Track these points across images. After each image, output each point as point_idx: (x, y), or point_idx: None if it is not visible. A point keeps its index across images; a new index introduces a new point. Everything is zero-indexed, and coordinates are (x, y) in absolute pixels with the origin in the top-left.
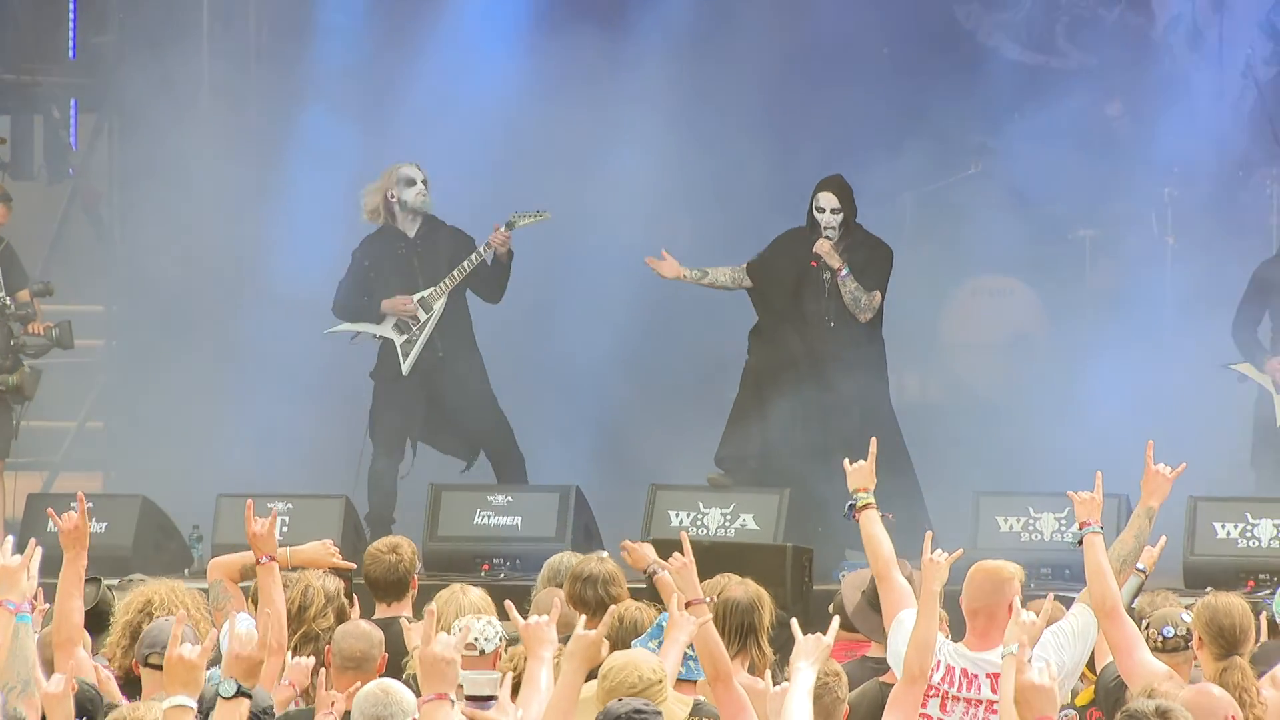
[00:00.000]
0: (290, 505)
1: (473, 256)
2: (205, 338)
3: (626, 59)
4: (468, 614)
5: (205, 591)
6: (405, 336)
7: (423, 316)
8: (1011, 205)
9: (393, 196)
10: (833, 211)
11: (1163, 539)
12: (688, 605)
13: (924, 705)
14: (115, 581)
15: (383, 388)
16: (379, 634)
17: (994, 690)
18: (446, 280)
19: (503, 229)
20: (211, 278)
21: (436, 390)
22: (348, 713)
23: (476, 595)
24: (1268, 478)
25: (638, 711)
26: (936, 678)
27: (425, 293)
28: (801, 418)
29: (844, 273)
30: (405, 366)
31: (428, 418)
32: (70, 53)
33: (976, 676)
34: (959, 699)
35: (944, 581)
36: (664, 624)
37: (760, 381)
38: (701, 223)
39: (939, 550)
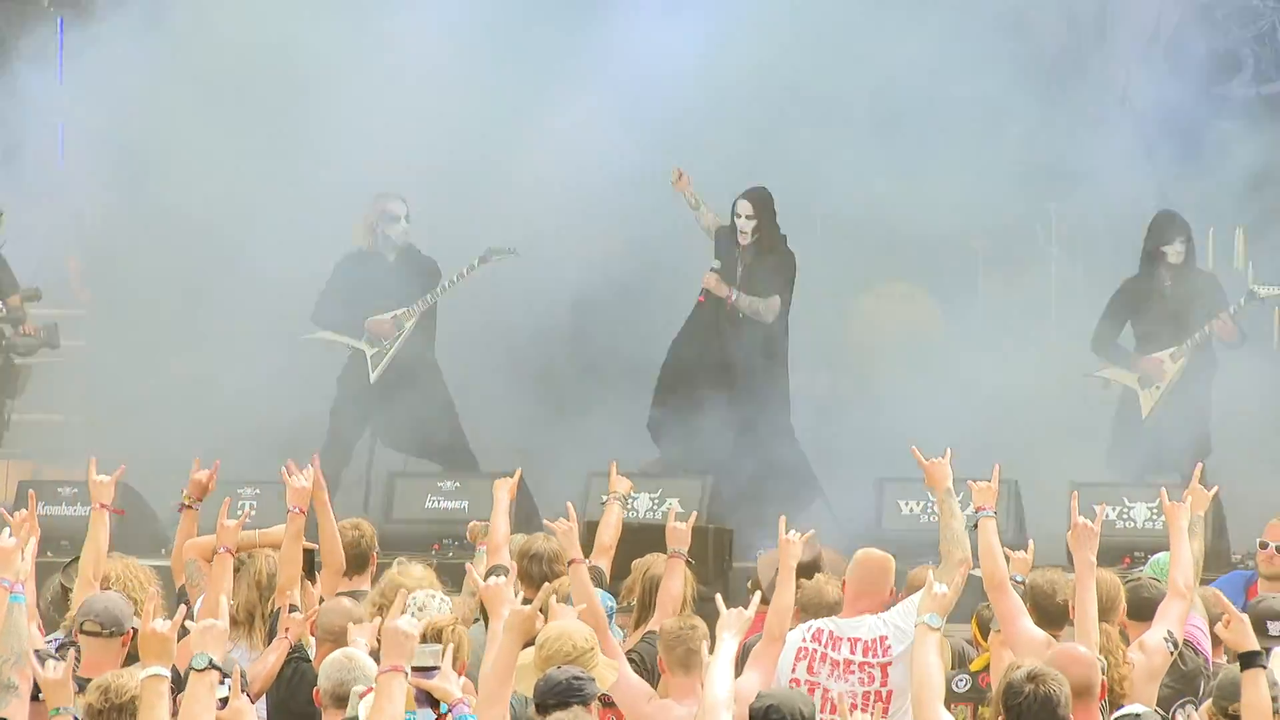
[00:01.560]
0: (258, 491)
1: (437, 289)
2: (181, 336)
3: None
4: (411, 584)
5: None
6: (376, 349)
7: (395, 333)
8: (912, 218)
9: (378, 228)
10: (747, 218)
11: (1030, 543)
12: (570, 563)
13: (793, 670)
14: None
15: (345, 394)
16: (358, 611)
17: (852, 652)
18: (419, 303)
19: (476, 263)
20: (186, 281)
21: (400, 399)
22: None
23: (419, 570)
24: (1129, 473)
25: (575, 679)
26: (808, 638)
27: (399, 311)
28: (715, 394)
29: (734, 299)
30: (373, 376)
31: (387, 422)
32: (58, 77)
33: (841, 639)
34: (825, 658)
35: (798, 558)
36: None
37: (683, 356)
38: (638, 228)
39: (793, 530)
